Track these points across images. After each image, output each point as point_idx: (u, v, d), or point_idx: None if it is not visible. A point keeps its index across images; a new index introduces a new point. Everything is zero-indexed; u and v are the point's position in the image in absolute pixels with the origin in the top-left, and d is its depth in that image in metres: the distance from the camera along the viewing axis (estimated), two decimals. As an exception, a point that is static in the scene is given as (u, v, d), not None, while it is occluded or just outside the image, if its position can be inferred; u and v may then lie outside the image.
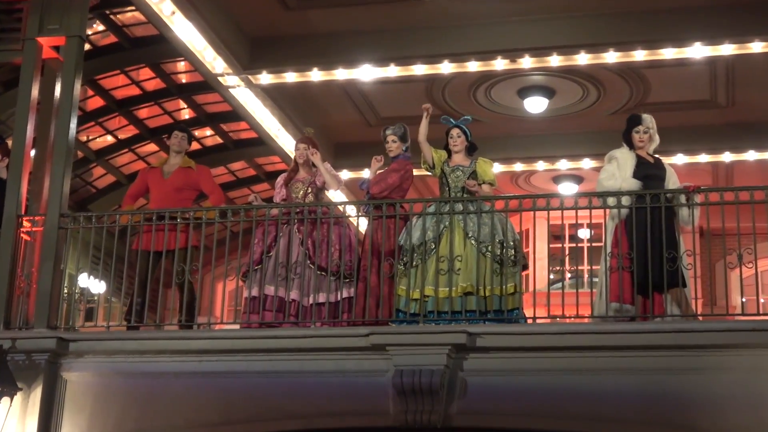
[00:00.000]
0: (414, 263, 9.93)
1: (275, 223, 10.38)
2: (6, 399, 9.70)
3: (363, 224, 10.97)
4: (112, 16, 15.45)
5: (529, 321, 9.76)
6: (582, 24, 14.14)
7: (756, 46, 13.86)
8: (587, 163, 18.03)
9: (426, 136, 10.50)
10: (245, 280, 10.38)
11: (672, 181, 10.02)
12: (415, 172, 11.01)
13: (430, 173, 10.71)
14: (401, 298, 9.94)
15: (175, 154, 11.35)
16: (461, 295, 9.73)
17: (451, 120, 10.69)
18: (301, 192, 10.77)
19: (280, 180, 11.03)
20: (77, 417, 9.98)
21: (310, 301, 10.12)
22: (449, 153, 10.64)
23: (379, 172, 10.77)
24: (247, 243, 10.47)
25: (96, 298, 18.32)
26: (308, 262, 10.18)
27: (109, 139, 18.94)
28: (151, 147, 18.95)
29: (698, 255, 9.67)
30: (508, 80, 15.81)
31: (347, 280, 10.12)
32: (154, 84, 17.40)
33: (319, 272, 10.13)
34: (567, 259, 15.29)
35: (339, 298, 10.05)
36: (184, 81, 17.41)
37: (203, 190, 11.23)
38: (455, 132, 10.58)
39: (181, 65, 16.84)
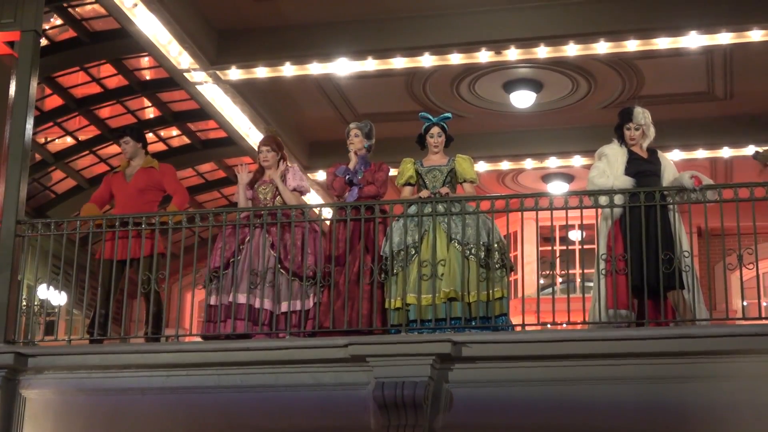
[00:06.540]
0: (394, 271, 9.92)
1: (242, 227, 10.35)
2: (-40, 419, 9.67)
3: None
4: (70, 9, 15.39)
5: (518, 329, 9.77)
6: (571, 12, 14.17)
7: (755, 35, 13.94)
8: (578, 161, 18.07)
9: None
10: (210, 283, 10.33)
11: (668, 175, 10.00)
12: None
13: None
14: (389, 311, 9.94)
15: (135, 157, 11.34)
16: (445, 302, 9.71)
17: (431, 117, 10.65)
18: (270, 194, 10.74)
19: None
20: (37, 437, 9.94)
21: (283, 309, 10.08)
22: (422, 146, 10.60)
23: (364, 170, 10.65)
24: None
25: (56, 310, 18.23)
26: (280, 267, 10.16)
27: (69, 140, 18.87)
28: (114, 149, 18.86)
29: (696, 256, 9.68)
30: (493, 73, 15.84)
31: (322, 287, 10.09)
32: (115, 81, 17.35)
33: (292, 279, 10.10)
34: (558, 262, 15.31)
35: (311, 304, 10.04)
36: (147, 78, 17.37)
37: (166, 189, 11.18)
38: (436, 131, 10.50)
39: (145, 61, 16.80)
